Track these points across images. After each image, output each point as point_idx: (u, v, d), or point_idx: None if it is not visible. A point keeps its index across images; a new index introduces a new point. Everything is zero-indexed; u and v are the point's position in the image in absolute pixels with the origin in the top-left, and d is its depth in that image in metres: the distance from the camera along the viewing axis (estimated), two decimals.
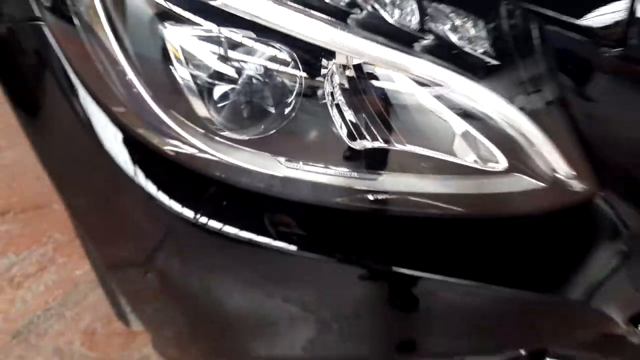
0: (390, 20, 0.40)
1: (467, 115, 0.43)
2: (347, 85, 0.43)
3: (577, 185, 0.45)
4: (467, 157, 0.45)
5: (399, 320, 0.51)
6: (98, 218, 0.57)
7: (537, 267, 0.51)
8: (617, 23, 0.37)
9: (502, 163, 0.45)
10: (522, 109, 0.42)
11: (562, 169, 0.44)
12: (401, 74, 0.42)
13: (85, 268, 1.14)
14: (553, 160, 0.44)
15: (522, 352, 0.57)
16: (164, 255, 0.51)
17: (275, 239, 0.45)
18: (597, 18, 0.38)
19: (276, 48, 0.42)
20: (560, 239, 0.50)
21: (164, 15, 0.43)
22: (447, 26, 0.41)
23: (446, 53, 0.41)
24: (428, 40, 0.40)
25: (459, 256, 0.49)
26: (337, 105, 0.43)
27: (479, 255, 0.49)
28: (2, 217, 1.28)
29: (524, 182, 0.46)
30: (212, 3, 0.41)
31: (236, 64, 0.44)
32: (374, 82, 0.42)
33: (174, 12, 0.43)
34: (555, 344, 0.57)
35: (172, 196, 0.46)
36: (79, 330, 1.03)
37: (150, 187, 0.46)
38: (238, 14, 0.40)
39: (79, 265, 1.15)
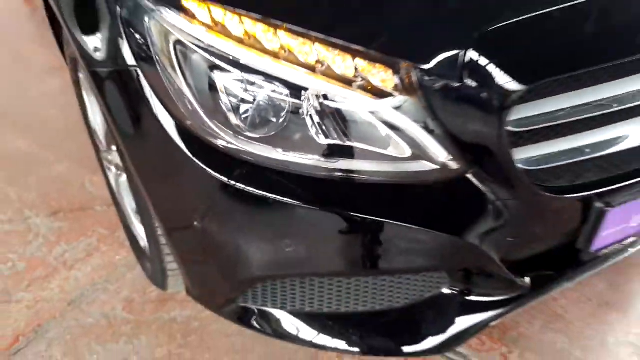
0: (338, 72, 0.73)
1: (387, 124, 0.75)
2: (317, 106, 0.75)
3: (454, 165, 0.77)
4: (388, 150, 0.77)
5: (357, 246, 0.82)
6: (169, 193, 0.88)
7: (439, 217, 0.82)
8: (455, 65, 0.69)
9: (408, 153, 0.76)
10: (415, 121, 0.74)
11: (443, 155, 0.76)
12: (348, 99, 0.74)
13: (123, 254, 1.44)
14: (437, 151, 0.76)
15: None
16: (209, 209, 0.82)
17: (276, 194, 0.77)
18: (442, 62, 0.69)
19: (275, 84, 0.74)
20: (451, 200, 0.81)
21: (212, 65, 0.76)
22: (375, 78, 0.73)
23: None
24: (359, 82, 0.72)
25: (389, 206, 0.79)
26: (311, 117, 0.75)
27: (401, 206, 0.80)
28: (55, 216, 1.59)
29: (423, 164, 0.77)
30: (241, 61, 0.73)
31: (252, 94, 0.76)
32: (332, 104, 0.74)
33: (218, 64, 0.76)
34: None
35: (216, 170, 0.77)
36: (120, 299, 1.32)
37: (204, 166, 0.78)
38: (255, 68, 0.73)
39: (118, 252, 1.45)
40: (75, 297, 1.33)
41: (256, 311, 0.93)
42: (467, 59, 0.68)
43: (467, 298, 0.94)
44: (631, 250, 1.11)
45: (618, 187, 0.87)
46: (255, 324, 0.95)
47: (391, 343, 0.95)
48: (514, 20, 0.69)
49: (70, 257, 1.44)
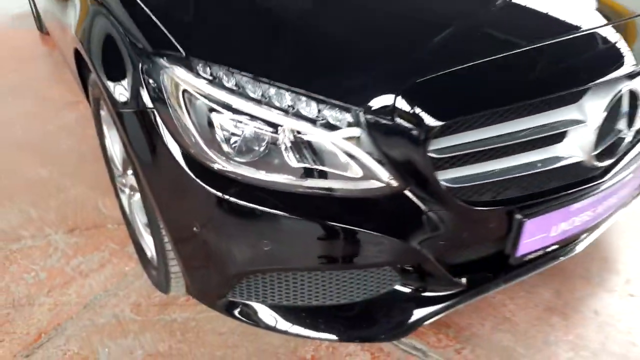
0: (304, 113, 0.96)
1: (344, 152, 0.98)
2: (290, 138, 0.98)
3: (395, 183, 0.99)
4: (345, 172, 1.00)
5: (322, 246, 1.03)
6: (176, 206, 1.10)
7: (386, 224, 1.03)
8: (389, 109, 0.93)
9: (360, 174, 0.99)
10: (364, 150, 0.97)
11: (386, 176, 0.98)
12: (313, 133, 0.97)
13: (132, 265, 1.65)
14: (381, 173, 0.98)
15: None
16: (207, 218, 1.04)
17: (260, 205, 0.99)
18: (379, 107, 0.93)
19: (258, 122, 0.97)
20: (395, 210, 1.03)
21: (210, 108, 0.99)
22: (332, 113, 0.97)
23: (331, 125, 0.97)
24: (321, 120, 0.96)
25: (348, 214, 1.01)
26: (286, 147, 0.98)
27: (357, 215, 1.02)
28: (71, 233, 1.81)
29: (372, 183, 1.00)
30: (232, 106, 0.97)
31: (240, 129, 0.99)
32: (301, 136, 0.98)
33: (214, 107, 0.99)
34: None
35: (213, 188, 1.00)
36: (128, 303, 1.52)
37: (204, 184, 1.00)
38: (243, 110, 0.96)
39: (127, 264, 1.66)
40: (89, 301, 1.54)
41: (241, 304, 1.15)
42: (397, 104, 0.92)
43: (416, 294, 1.15)
44: (562, 258, 1.33)
45: (534, 202, 1.09)
46: (240, 315, 1.16)
47: (353, 331, 1.15)
48: (431, 75, 0.94)
49: (85, 268, 1.66)
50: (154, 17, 1.08)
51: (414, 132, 0.93)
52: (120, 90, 1.10)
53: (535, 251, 1.17)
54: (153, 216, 1.20)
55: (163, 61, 1.01)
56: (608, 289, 1.57)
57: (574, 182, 1.16)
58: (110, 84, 1.15)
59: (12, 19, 4.32)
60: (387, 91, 0.94)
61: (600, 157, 1.14)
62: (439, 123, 0.92)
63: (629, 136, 1.18)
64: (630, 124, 1.17)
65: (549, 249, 1.22)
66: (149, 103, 1.05)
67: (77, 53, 1.47)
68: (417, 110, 0.92)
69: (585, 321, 1.46)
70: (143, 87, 1.04)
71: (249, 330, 1.42)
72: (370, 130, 0.95)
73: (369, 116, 0.94)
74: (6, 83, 3.08)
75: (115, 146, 1.52)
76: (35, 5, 3.45)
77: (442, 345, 1.39)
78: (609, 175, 1.19)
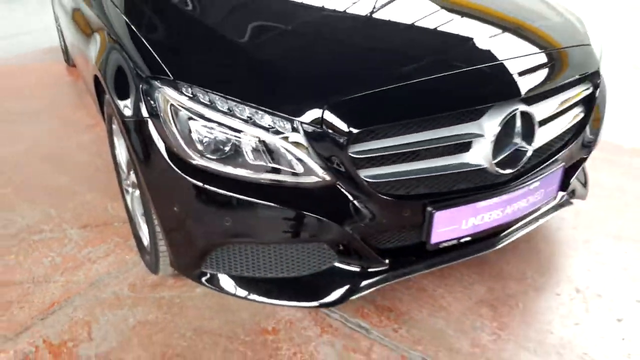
0: (259, 123, 1.28)
1: (290, 152, 1.29)
2: (250, 141, 1.30)
3: (328, 178, 1.29)
4: (290, 168, 1.30)
5: (273, 223, 1.33)
6: (163, 193, 1.41)
7: (323, 209, 1.32)
8: (319, 120, 1.24)
9: (302, 170, 1.29)
10: (303, 151, 1.28)
11: (320, 172, 1.29)
12: (266, 138, 1.29)
13: (131, 255, 1.95)
14: (317, 169, 1.28)
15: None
16: (186, 201, 1.35)
17: (227, 191, 1.30)
18: (312, 119, 1.25)
19: (225, 128, 1.29)
20: (330, 199, 1.32)
21: (189, 117, 1.32)
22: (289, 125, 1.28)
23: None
24: (272, 128, 1.27)
25: (293, 200, 1.31)
26: (246, 148, 1.29)
27: (301, 201, 1.31)
28: (84, 229, 2.13)
29: (311, 177, 1.30)
30: (205, 115, 1.29)
31: (211, 134, 1.31)
32: (258, 140, 1.29)
33: (192, 117, 1.32)
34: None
35: (192, 177, 1.31)
36: (126, 284, 1.82)
37: (184, 175, 1.31)
38: (213, 119, 1.29)
39: (128, 254, 1.96)
40: (94, 281, 1.84)
41: (210, 274, 1.44)
42: (324, 116, 1.24)
43: (350, 270, 1.43)
44: (485, 252, 1.60)
45: (444, 198, 1.38)
46: (209, 283, 1.45)
47: (300, 298, 1.43)
48: (349, 96, 1.26)
49: (93, 256, 1.97)
50: (152, 51, 1.42)
51: (337, 138, 1.24)
52: (126, 105, 1.44)
53: (449, 240, 1.45)
54: (147, 205, 1.52)
55: (157, 83, 1.34)
56: (537, 289, 1.81)
57: (482, 185, 1.44)
58: (119, 101, 1.49)
59: (43, 52, 4.81)
60: (317, 107, 1.26)
61: (502, 166, 1.43)
62: (355, 130, 1.23)
63: (529, 151, 1.47)
64: (529, 141, 1.46)
65: (464, 240, 1.49)
66: (145, 114, 1.38)
67: (96, 79, 1.83)
68: (338, 121, 1.24)
69: (511, 313, 1.71)
70: (142, 102, 1.37)
71: (224, 307, 1.70)
72: (307, 136, 1.26)
73: (305, 125, 1.25)
74: (35, 107, 3.49)
75: (122, 152, 1.85)
76: (64, 40, 3.91)
77: (383, 325, 1.65)
78: (515, 182, 1.47)
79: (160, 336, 1.61)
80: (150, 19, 1.66)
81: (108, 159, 2.17)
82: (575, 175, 1.80)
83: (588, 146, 1.76)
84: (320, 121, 1.25)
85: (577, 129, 1.69)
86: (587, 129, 1.73)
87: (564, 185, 1.70)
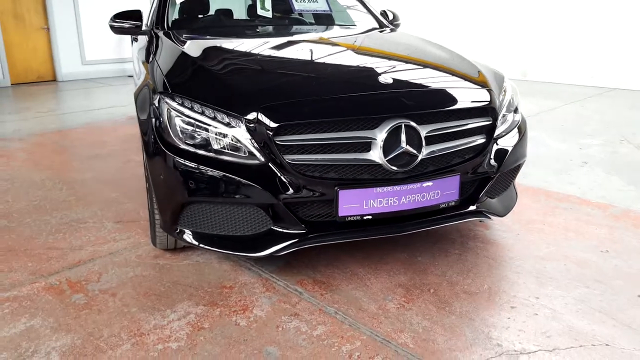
0: (220, 120, 1.94)
1: (239, 142, 1.91)
2: (215, 134, 1.94)
3: (263, 159, 1.88)
4: (239, 152, 1.92)
5: (225, 186, 1.91)
6: (158, 171, 2.04)
7: (261, 180, 1.89)
8: (255, 117, 1.87)
9: (246, 154, 1.90)
10: (247, 140, 1.89)
11: (258, 156, 1.88)
12: (227, 131, 1.93)
13: (146, 239, 2.58)
14: (256, 153, 1.88)
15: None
16: (172, 174, 1.97)
17: (201, 165, 1.91)
18: (251, 117, 1.88)
19: (202, 125, 1.95)
20: (265, 174, 1.89)
21: (179, 117, 1.99)
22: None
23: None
24: (226, 124, 1.92)
25: (241, 173, 1.89)
26: (211, 138, 1.93)
27: (246, 174, 1.89)
28: (117, 223, 2.81)
29: (253, 159, 1.89)
30: (190, 116, 1.97)
31: (192, 128, 1.96)
32: (218, 131, 1.92)
33: (181, 117, 1.99)
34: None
35: (175, 155, 1.94)
36: (135, 255, 2.42)
37: (170, 153, 1.96)
38: (195, 118, 1.96)
39: (143, 239, 2.59)
40: (113, 251, 2.47)
41: (182, 231, 2.02)
42: (258, 116, 1.86)
43: (280, 232, 1.95)
44: (392, 234, 2.05)
45: (349, 181, 1.91)
46: (182, 237, 2.03)
47: (243, 250, 1.96)
48: (273, 103, 1.89)
49: (117, 237, 2.62)
50: (164, 77, 2.16)
51: (266, 130, 1.85)
52: (142, 113, 2.16)
53: (353, 216, 1.94)
54: (149, 183, 2.17)
55: (162, 95, 2.05)
56: (451, 283, 2.19)
57: (382, 178, 1.96)
58: (139, 112, 2.22)
59: (126, 118, 5.96)
60: (254, 110, 1.89)
61: (396, 165, 1.94)
62: (275, 125, 1.84)
63: (419, 157, 1.97)
64: (417, 149, 1.97)
65: (367, 218, 1.97)
66: (152, 116, 2.08)
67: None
68: (266, 119, 1.85)
69: (421, 295, 2.09)
70: (151, 108, 2.08)
71: (199, 271, 2.25)
72: (248, 129, 1.88)
73: (247, 122, 1.88)
74: (108, 152, 4.43)
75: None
76: None
77: (314, 291, 2.10)
78: (409, 179, 1.97)
79: (147, 284, 2.17)
80: (165, 60, 2.44)
81: None
82: (486, 191, 2.24)
83: (491, 169, 2.21)
84: (256, 119, 1.87)
85: (477, 152, 2.16)
86: (491, 155, 2.20)
87: (464, 193, 2.15)
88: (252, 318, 1.92)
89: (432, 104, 2.07)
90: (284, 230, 1.97)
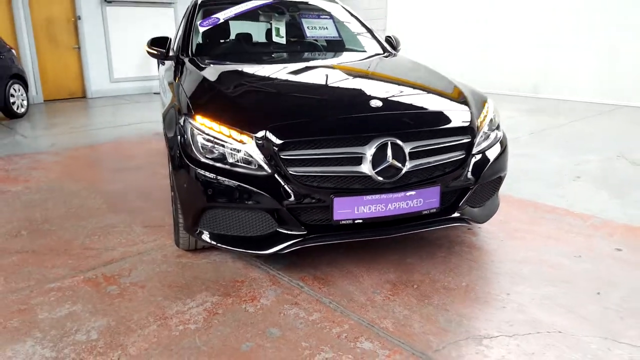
0: (234, 138, 2.31)
1: (249, 155, 2.28)
2: (230, 149, 2.31)
3: (270, 170, 2.23)
4: (250, 165, 2.28)
5: (239, 193, 2.27)
6: (182, 181, 2.41)
7: (269, 189, 2.24)
8: (264, 135, 2.23)
9: (257, 166, 2.26)
10: (258, 156, 2.26)
11: (266, 167, 2.24)
12: (240, 147, 2.29)
13: (170, 242, 2.95)
14: (265, 166, 2.24)
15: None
16: (194, 184, 2.33)
17: (220, 177, 2.27)
18: (261, 135, 2.25)
19: (219, 142, 2.32)
20: (273, 184, 2.24)
21: (201, 136, 2.36)
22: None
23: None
24: (239, 141, 2.28)
25: (253, 183, 2.25)
26: (227, 153, 2.30)
27: (258, 184, 2.24)
28: (145, 228, 3.19)
29: (263, 171, 2.25)
30: (209, 134, 2.34)
31: (211, 145, 2.34)
32: (233, 147, 2.29)
33: (203, 135, 2.36)
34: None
35: (196, 167, 2.31)
36: (161, 254, 2.79)
37: (192, 165, 2.33)
38: (214, 136, 2.34)
39: (168, 241, 2.96)
40: (142, 252, 2.84)
41: (201, 232, 2.38)
42: (266, 134, 2.22)
43: (285, 233, 2.29)
44: (381, 236, 2.38)
45: (343, 190, 2.24)
46: (201, 237, 2.39)
47: (254, 248, 2.31)
48: (279, 124, 2.25)
49: (145, 240, 3.00)
50: (187, 98, 2.54)
51: (273, 146, 2.20)
52: (169, 131, 2.55)
53: (346, 219, 2.27)
54: (174, 192, 2.54)
55: (187, 117, 2.43)
56: (433, 280, 2.49)
57: (371, 187, 2.29)
58: (167, 130, 2.61)
59: (153, 134, 6.42)
60: (263, 129, 2.25)
61: (384, 176, 2.27)
62: (280, 142, 2.19)
63: (403, 170, 2.30)
64: (402, 163, 2.29)
65: (358, 222, 2.30)
66: (178, 133, 2.46)
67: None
68: (273, 137, 2.21)
69: (405, 290, 2.40)
70: (177, 127, 2.46)
71: (216, 269, 2.60)
72: (258, 146, 2.24)
73: (257, 139, 2.24)
74: (138, 165, 4.86)
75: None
76: None
77: (313, 285, 2.43)
78: (394, 188, 2.30)
79: (171, 278, 2.53)
80: (189, 85, 2.82)
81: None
82: (465, 200, 2.55)
83: (470, 181, 2.52)
84: (264, 136, 2.23)
85: (456, 166, 2.48)
86: (469, 168, 2.51)
87: (445, 201, 2.47)
88: (259, 306, 2.26)
89: (416, 125, 2.40)
90: (288, 232, 2.31)
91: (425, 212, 2.42)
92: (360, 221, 2.31)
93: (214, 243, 2.38)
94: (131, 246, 2.93)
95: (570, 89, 9.25)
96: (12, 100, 7.34)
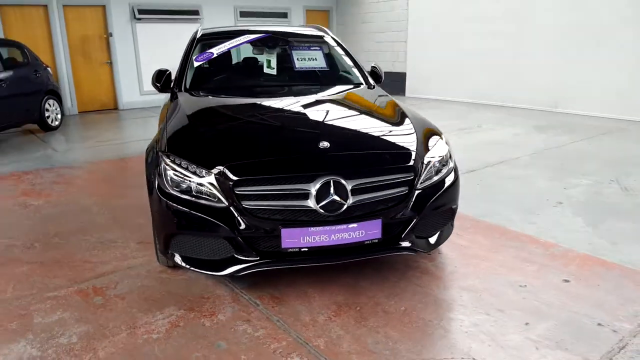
0: (197, 172, 2.67)
1: (208, 189, 2.63)
2: (194, 184, 2.66)
3: (226, 203, 2.57)
4: (209, 197, 2.63)
5: (198, 222, 2.62)
6: (155, 209, 2.80)
7: (224, 219, 2.58)
8: (221, 171, 2.58)
9: (216, 199, 2.60)
10: (216, 188, 2.60)
11: (223, 200, 2.58)
12: (201, 182, 2.65)
13: (155, 258, 3.34)
14: (223, 199, 2.58)
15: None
16: (163, 212, 2.71)
17: (180, 206, 2.64)
18: (218, 171, 2.59)
19: (183, 177, 2.69)
20: (228, 215, 2.58)
21: (169, 172, 2.74)
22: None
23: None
24: (200, 175, 2.63)
25: (211, 214, 2.60)
26: (191, 187, 2.65)
27: (214, 215, 2.59)
28: (139, 244, 3.59)
29: (221, 203, 2.60)
30: (177, 170, 2.71)
31: (178, 179, 2.70)
32: (195, 181, 2.65)
33: (171, 171, 2.73)
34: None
35: (165, 198, 2.69)
36: (146, 269, 3.18)
37: (162, 197, 2.70)
38: (180, 172, 2.70)
39: (154, 257, 3.35)
40: (130, 266, 3.24)
41: (171, 254, 2.74)
42: (224, 170, 2.56)
43: (239, 258, 2.62)
44: (327, 263, 2.67)
45: (290, 222, 2.55)
46: (171, 259, 2.75)
47: (214, 270, 2.65)
48: (235, 163, 2.58)
49: (137, 255, 3.40)
50: (167, 135, 2.93)
51: (229, 182, 2.54)
52: (150, 163, 2.93)
53: (293, 248, 2.58)
54: (152, 217, 2.92)
55: (162, 154, 2.80)
56: (377, 303, 2.77)
57: (317, 220, 2.59)
58: (148, 159, 3.00)
59: None
60: (221, 165, 2.59)
61: (327, 210, 2.57)
62: (235, 179, 2.53)
63: (345, 205, 2.58)
64: (344, 198, 2.58)
65: (304, 250, 2.60)
66: (154, 165, 2.84)
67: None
68: (229, 174, 2.55)
69: (348, 311, 2.69)
70: (154, 160, 2.84)
71: (188, 285, 2.96)
72: (217, 181, 2.58)
73: (216, 175, 2.59)
74: (142, 181, 5.32)
75: None
76: None
77: (268, 303, 2.75)
78: (337, 221, 2.59)
79: (149, 292, 2.91)
80: (172, 121, 3.21)
81: None
82: (409, 231, 2.80)
83: (413, 214, 2.77)
84: (222, 173, 2.58)
85: (399, 200, 2.74)
86: (412, 203, 2.76)
87: (388, 232, 2.73)
88: (215, 321, 2.60)
89: (359, 165, 2.69)
90: (242, 257, 2.64)
91: (368, 242, 2.69)
92: (306, 249, 2.61)
93: (184, 264, 2.74)
94: (123, 261, 3.34)
95: (589, 104, 9.22)
96: (47, 114, 8.02)
